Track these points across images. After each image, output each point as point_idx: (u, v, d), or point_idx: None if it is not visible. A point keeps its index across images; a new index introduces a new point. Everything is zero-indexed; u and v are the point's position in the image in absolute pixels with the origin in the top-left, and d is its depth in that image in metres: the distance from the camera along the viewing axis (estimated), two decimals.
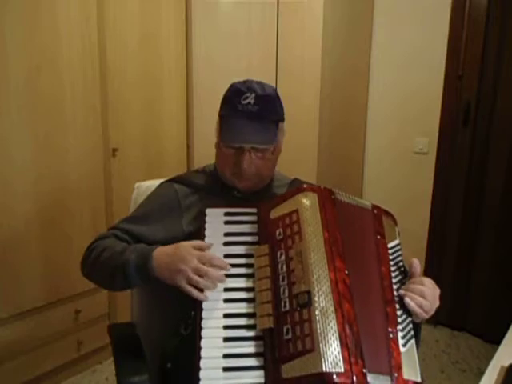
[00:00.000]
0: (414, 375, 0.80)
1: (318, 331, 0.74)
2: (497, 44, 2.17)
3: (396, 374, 0.78)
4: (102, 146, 1.94)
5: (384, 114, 2.56)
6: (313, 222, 0.86)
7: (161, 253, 0.90)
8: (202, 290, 0.84)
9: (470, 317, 2.39)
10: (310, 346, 0.73)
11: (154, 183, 1.23)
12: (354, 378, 0.72)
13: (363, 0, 2.45)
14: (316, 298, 0.77)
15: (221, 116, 1.05)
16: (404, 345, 0.83)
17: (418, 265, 0.92)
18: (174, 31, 2.18)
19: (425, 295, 0.87)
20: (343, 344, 0.74)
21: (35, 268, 1.77)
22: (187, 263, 0.84)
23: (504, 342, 1.01)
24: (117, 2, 1.91)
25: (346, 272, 0.82)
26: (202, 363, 0.79)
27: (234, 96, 1.01)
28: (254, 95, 1.00)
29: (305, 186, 0.92)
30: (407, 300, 0.86)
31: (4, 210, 1.65)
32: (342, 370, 0.71)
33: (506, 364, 0.91)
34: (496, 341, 1.06)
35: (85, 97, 1.85)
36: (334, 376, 0.71)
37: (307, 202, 0.88)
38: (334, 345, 0.73)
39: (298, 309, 0.78)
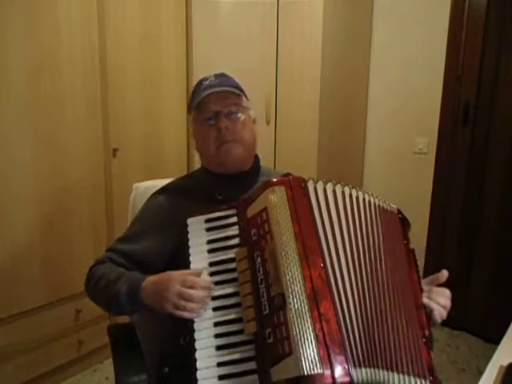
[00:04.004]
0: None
1: (294, 333, 0.73)
2: (496, 44, 2.17)
3: (431, 378, 0.81)
4: (102, 146, 1.95)
5: (384, 114, 2.56)
6: (282, 218, 0.83)
7: (148, 283, 0.90)
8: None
9: (469, 316, 2.40)
10: (288, 350, 0.73)
11: (153, 184, 1.23)
12: (336, 376, 0.71)
13: (363, 0, 2.46)
14: (290, 300, 0.76)
15: (189, 106, 1.14)
16: (431, 348, 0.85)
17: (445, 276, 0.94)
18: (174, 32, 2.19)
19: (447, 307, 0.91)
20: (321, 343, 0.73)
21: (35, 268, 1.77)
22: (170, 290, 0.84)
23: (503, 341, 1.02)
24: (117, 3, 1.92)
25: (322, 266, 0.80)
26: (199, 374, 0.79)
27: (197, 84, 1.13)
28: (213, 76, 1.11)
29: (273, 180, 0.88)
30: (434, 312, 0.89)
31: (4, 209, 1.66)
32: (322, 371, 0.71)
33: (505, 363, 0.91)
34: (495, 340, 1.06)
35: (85, 97, 1.86)
36: (314, 378, 0.71)
37: (275, 198, 0.85)
38: (312, 345, 0.72)
39: (276, 312, 0.77)
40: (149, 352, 1.02)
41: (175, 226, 1.00)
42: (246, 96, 1.13)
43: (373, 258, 0.86)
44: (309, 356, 0.72)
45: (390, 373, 0.78)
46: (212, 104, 1.06)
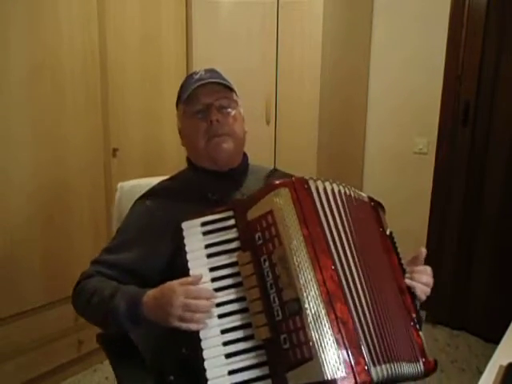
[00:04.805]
0: (428, 354, 0.87)
1: (314, 338, 0.73)
2: (496, 44, 2.17)
3: (423, 359, 0.85)
4: (102, 145, 1.95)
5: (383, 114, 2.56)
6: (290, 222, 0.82)
7: (149, 298, 0.86)
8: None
9: (469, 316, 2.40)
10: (308, 355, 0.73)
11: (138, 183, 1.21)
12: (358, 378, 0.72)
13: (363, 0, 2.46)
14: (306, 305, 0.75)
15: (178, 99, 1.11)
16: (420, 329, 0.88)
17: (424, 254, 0.98)
18: (174, 31, 2.19)
19: (429, 284, 0.95)
20: (341, 346, 0.73)
21: (35, 267, 1.77)
22: (174, 303, 0.81)
23: (503, 341, 1.01)
24: (117, 2, 1.92)
25: (333, 267, 0.80)
26: None
27: (186, 78, 1.11)
28: (203, 70, 1.09)
29: (277, 182, 0.87)
30: (417, 290, 0.92)
31: (4, 209, 1.66)
32: (344, 374, 0.72)
33: (505, 363, 0.91)
34: (495, 340, 1.06)
35: (86, 96, 1.86)
36: (338, 381, 0.71)
37: (280, 200, 0.84)
38: (333, 349, 0.73)
39: (291, 317, 0.76)
40: (148, 359, 1.00)
41: (168, 231, 0.95)
42: (236, 93, 1.12)
43: (368, 254, 0.89)
44: (331, 360, 0.72)
45: (399, 363, 0.80)
46: (203, 96, 1.04)
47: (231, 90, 1.09)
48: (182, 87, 1.10)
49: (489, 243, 2.32)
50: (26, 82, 1.66)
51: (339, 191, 0.91)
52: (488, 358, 0.94)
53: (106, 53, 1.91)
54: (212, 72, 1.09)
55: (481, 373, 0.89)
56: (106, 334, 1.07)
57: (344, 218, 0.88)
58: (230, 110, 1.07)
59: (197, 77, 1.06)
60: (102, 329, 1.02)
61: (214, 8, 2.22)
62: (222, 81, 1.06)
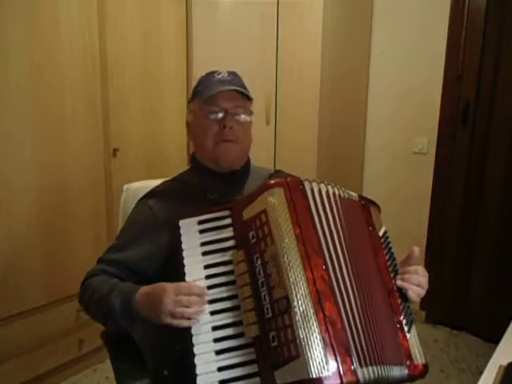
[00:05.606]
0: (419, 357, 0.85)
1: (301, 336, 0.74)
2: (496, 44, 2.17)
3: (408, 362, 0.83)
4: (102, 145, 1.95)
5: (383, 114, 2.56)
6: (282, 221, 0.83)
7: (142, 295, 0.88)
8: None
9: (469, 316, 2.40)
10: (295, 353, 0.73)
11: (143, 185, 1.22)
12: (343, 377, 0.72)
13: (363, 0, 2.46)
14: (295, 303, 0.76)
15: (195, 93, 1.11)
16: (408, 331, 0.87)
17: (417, 253, 0.96)
18: (175, 31, 2.19)
19: (422, 284, 0.93)
20: (327, 345, 0.74)
21: (36, 267, 1.77)
22: (164, 300, 0.82)
23: (503, 341, 1.02)
24: (117, 3, 1.92)
25: (324, 267, 0.81)
26: (199, 380, 0.79)
27: (207, 74, 1.11)
28: (226, 72, 1.10)
29: (272, 182, 0.88)
30: (408, 292, 0.91)
31: (5, 210, 1.66)
32: (330, 373, 0.72)
33: (505, 363, 0.91)
34: (495, 340, 1.06)
35: (86, 96, 1.86)
36: (323, 380, 0.71)
37: (274, 200, 0.85)
38: (319, 348, 0.73)
39: (280, 315, 0.77)
40: (146, 355, 1.01)
41: (167, 229, 0.98)
42: (252, 103, 1.13)
43: (358, 255, 0.89)
44: (316, 358, 0.72)
45: (387, 366, 0.80)
46: (222, 100, 1.05)
47: (249, 98, 1.10)
48: (201, 83, 1.11)
49: (489, 243, 2.32)
50: (25, 83, 1.66)
51: (334, 193, 0.92)
52: (488, 357, 0.94)
53: (105, 53, 1.91)
54: (234, 76, 1.10)
55: (481, 373, 0.89)
56: (110, 332, 1.09)
57: (337, 220, 0.89)
58: (244, 117, 1.09)
59: (219, 77, 1.08)
60: (104, 326, 1.04)
61: (214, 8, 2.22)
62: (243, 90, 1.07)
